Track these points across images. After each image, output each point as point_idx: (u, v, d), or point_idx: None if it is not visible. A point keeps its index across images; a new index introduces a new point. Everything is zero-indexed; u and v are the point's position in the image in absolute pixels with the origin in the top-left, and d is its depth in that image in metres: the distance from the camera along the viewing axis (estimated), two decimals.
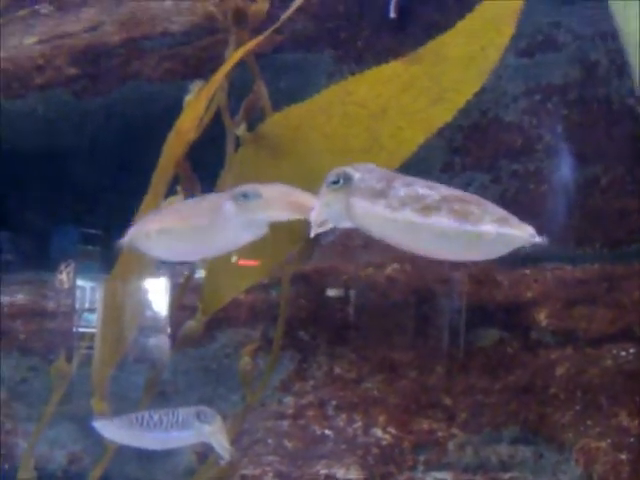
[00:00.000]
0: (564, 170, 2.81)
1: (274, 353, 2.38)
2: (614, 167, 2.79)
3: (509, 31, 1.92)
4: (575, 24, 2.77)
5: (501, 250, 1.37)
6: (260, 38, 2.12)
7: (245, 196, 1.61)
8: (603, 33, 2.77)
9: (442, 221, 1.33)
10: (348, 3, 2.81)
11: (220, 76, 2.08)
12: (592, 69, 2.80)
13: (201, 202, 1.79)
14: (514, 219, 1.35)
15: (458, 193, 1.36)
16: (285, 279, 2.32)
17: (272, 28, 2.13)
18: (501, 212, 1.35)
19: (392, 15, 2.72)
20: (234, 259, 2.20)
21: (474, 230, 1.32)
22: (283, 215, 1.62)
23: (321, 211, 1.43)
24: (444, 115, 1.86)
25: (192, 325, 2.31)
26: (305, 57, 2.86)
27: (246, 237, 1.68)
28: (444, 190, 1.36)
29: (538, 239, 1.39)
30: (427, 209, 1.33)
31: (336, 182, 1.40)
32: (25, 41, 3.13)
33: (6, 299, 3.12)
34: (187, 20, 2.89)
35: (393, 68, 1.97)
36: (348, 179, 1.39)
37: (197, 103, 2.08)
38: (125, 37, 3.01)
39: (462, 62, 1.91)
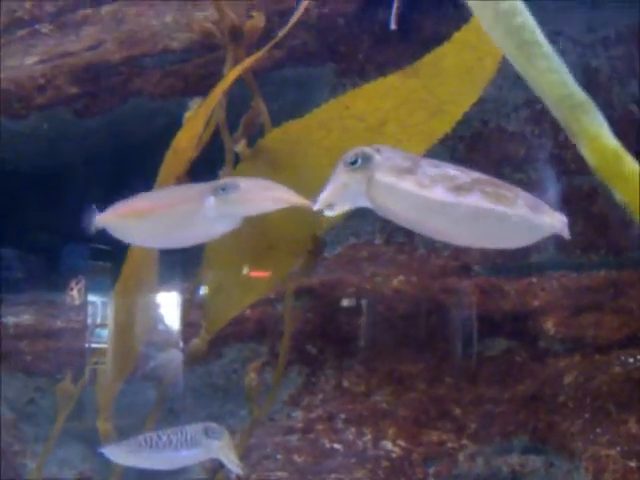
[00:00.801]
0: (567, 178, 2.81)
1: (279, 368, 2.38)
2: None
3: None
4: (575, 32, 2.77)
5: (530, 237, 1.35)
6: (257, 55, 2.12)
7: (224, 189, 1.64)
8: (603, 40, 2.78)
9: (475, 201, 1.29)
10: (348, 16, 2.81)
11: (217, 93, 2.08)
12: (593, 76, 2.80)
13: (182, 191, 1.81)
14: (546, 206, 1.33)
15: (488, 177, 1.34)
16: (288, 293, 2.31)
17: (269, 45, 2.12)
18: (533, 198, 1.33)
19: (392, 27, 2.72)
20: (241, 272, 2.21)
21: (508, 212, 1.29)
22: (261, 208, 1.67)
23: (335, 192, 1.38)
24: (443, 127, 1.86)
25: (197, 344, 2.31)
26: (307, 71, 2.86)
27: (220, 229, 1.71)
28: (474, 173, 1.33)
29: (567, 230, 1.35)
30: (459, 189, 1.30)
31: (354, 162, 1.36)
32: (26, 61, 3.13)
33: (12, 320, 3.12)
34: (187, 37, 2.90)
35: (391, 82, 1.97)
36: (367, 158, 1.35)
37: (195, 121, 2.08)
38: (126, 55, 3.01)
39: (459, 74, 1.91)
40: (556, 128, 2.77)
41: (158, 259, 2.27)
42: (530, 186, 2.75)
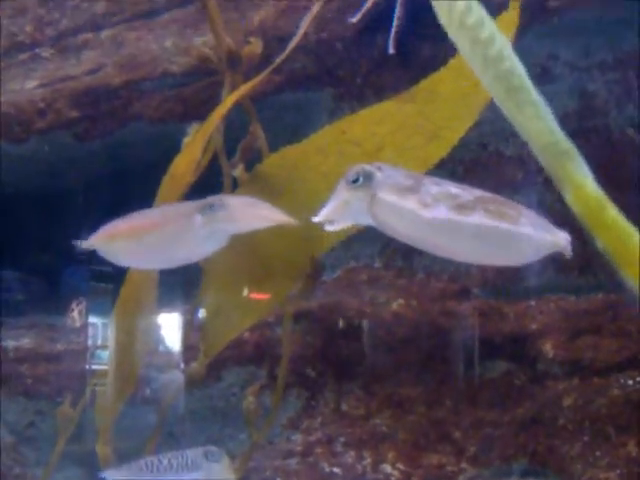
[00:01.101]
0: (565, 201, 2.81)
1: (278, 391, 2.38)
2: (615, 196, 2.79)
3: None
4: (572, 56, 2.79)
5: (532, 255, 1.34)
6: (254, 81, 2.14)
7: (211, 207, 1.65)
8: (600, 64, 2.79)
9: (478, 219, 1.29)
10: (346, 41, 2.82)
11: (215, 119, 2.09)
12: (590, 100, 2.81)
13: (170, 210, 1.82)
14: (549, 224, 1.34)
15: (490, 195, 1.33)
16: (287, 317, 2.32)
17: (266, 71, 2.14)
18: (536, 216, 1.34)
19: (391, 51, 2.73)
20: (239, 295, 2.21)
21: (512, 230, 1.30)
22: (248, 226, 1.68)
23: (336, 209, 1.38)
24: (439, 151, 1.87)
25: (195, 367, 2.32)
26: (305, 96, 2.88)
27: (209, 248, 1.71)
28: (476, 191, 1.33)
29: (569, 249, 1.36)
30: (462, 207, 1.30)
31: (356, 180, 1.36)
32: (27, 85, 3.15)
33: (12, 343, 3.13)
34: (187, 61, 2.91)
35: (387, 107, 1.98)
36: (369, 176, 1.35)
37: (192, 146, 2.09)
38: (125, 79, 3.02)
39: (455, 99, 1.92)
40: None
41: (158, 281, 2.28)
42: (528, 209, 2.77)
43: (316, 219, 1.39)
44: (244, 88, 2.11)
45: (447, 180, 1.34)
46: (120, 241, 1.78)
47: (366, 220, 1.38)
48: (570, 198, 0.91)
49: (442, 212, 1.30)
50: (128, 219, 1.80)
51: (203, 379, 2.32)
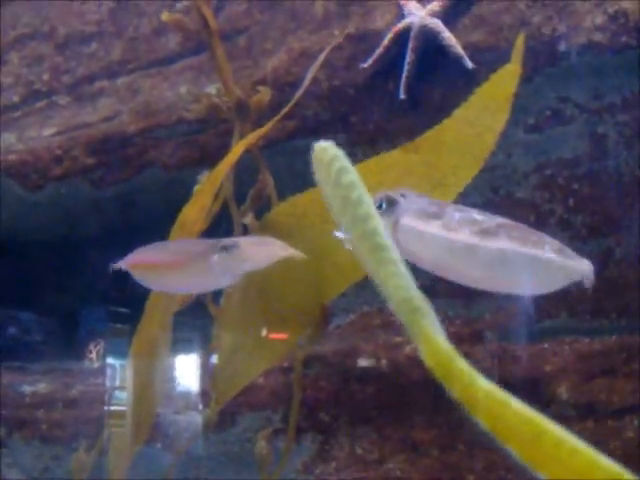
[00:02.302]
0: (577, 243, 2.82)
1: (289, 436, 2.39)
2: (627, 238, 2.80)
3: (504, 117, 1.96)
4: (582, 98, 2.80)
5: (555, 282, 1.34)
6: (261, 131, 2.17)
7: (226, 249, 1.83)
8: (609, 106, 2.80)
9: (503, 244, 1.29)
10: (358, 87, 2.85)
11: (224, 168, 2.13)
12: (601, 142, 2.82)
13: (192, 247, 2.01)
14: (572, 252, 1.34)
15: (513, 222, 1.35)
16: (297, 362, 2.33)
17: (274, 119, 2.17)
18: (559, 244, 1.34)
19: (402, 96, 2.76)
20: (249, 343, 2.23)
21: (535, 255, 1.29)
22: (259, 262, 1.86)
23: None
24: (445, 198, 1.89)
25: (207, 414, 2.33)
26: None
27: (224, 282, 1.93)
28: (499, 219, 1.34)
29: (592, 277, 1.35)
30: (486, 232, 1.30)
31: (379, 207, 1.35)
32: (43, 132, 3.19)
33: (29, 389, 3.14)
34: (202, 108, 2.94)
35: (393, 157, 2.01)
36: (392, 203, 1.35)
37: (202, 195, 2.13)
38: (141, 126, 3.06)
39: (459, 149, 1.95)
40: (565, 194, 2.80)
41: (174, 323, 2.31)
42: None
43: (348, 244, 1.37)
44: (252, 137, 2.15)
45: (470, 208, 1.34)
46: (144, 270, 2.02)
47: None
48: (422, 352, 0.88)
49: (466, 237, 1.31)
50: (152, 250, 2.04)
51: (215, 425, 2.34)
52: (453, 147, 1.95)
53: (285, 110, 2.20)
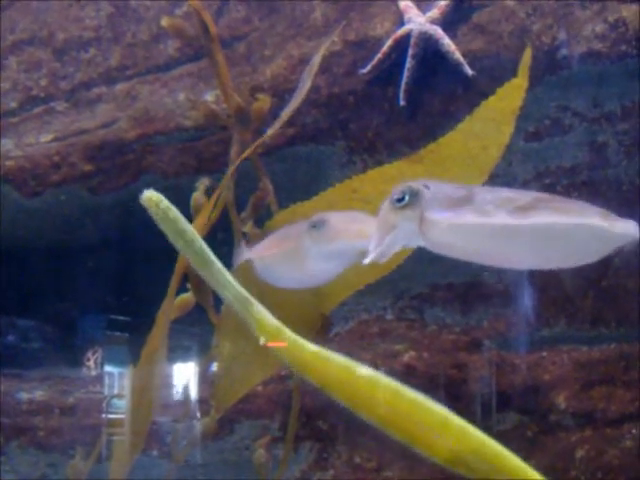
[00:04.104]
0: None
1: (287, 444, 2.38)
2: (626, 247, 2.79)
3: (510, 130, 1.95)
4: (581, 107, 2.80)
5: (602, 249, 1.27)
6: (260, 141, 2.16)
7: (313, 226, 1.70)
8: (609, 115, 2.80)
9: (544, 218, 1.22)
10: (357, 94, 2.84)
11: (226, 180, 2.13)
12: (600, 150, 2.81)
13: (292, 229, 1.87)
14: (614, 215, 1.27)
15: (548, 195, 1.28)
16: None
17: (274, 129, 2.16)
18: (599, 209, 1.27)
19: (402, 103, 2.76)
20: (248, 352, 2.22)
21: (581, 223, 1.22)
22: (351, 242, 1.67)
23: (382, 238, 1.31)
24: None
25: (206, 422, 2.32)
26: (317, 149, 2.89)
27: (332, 268, 1.77)
28: (532, 193, 1.27)
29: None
30: (524, 209, 1.22)
31: (401, 199, 1.29)
32: (41, 139, 3.18)
33: (25, 396, 3.13)
34: (200, 115, 2.93)
35: (396, 168, 2.00)
36: (415, 195, 1.28)
37: (205, 210, 2.13)
38: (139, 132, 3.05)
39: (463, 161, 1.94)
40: None
41: (174, 331, 2.29)
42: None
43: (367, 261, 1.33)
44: (252, 147, 2.14)
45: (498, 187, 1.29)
46: (261, 260, 1.90)
47: (415, 242, 1.31)
48: (256, 330, 1.21)
49: (503, 218, 1.23)
50: (268, 239, 1.94)
51: (215, 433, 2.33)
52: (458, 159, 1.94)
53: (285, 118, 2.19)
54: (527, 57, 1.92)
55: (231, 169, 2.13)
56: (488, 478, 1.12)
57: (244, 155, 2.14)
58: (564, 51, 2.71)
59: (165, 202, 1.18)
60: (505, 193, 1.29)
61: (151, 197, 1.20)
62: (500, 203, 1.25)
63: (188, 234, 1.17)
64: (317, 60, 2.26)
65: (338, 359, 1.15)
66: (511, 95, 1.96)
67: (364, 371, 1.16)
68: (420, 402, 1.14)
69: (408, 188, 1.30)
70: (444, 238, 1.28)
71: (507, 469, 1.10)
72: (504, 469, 1.08)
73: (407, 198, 1.29)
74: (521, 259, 1.32)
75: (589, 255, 1.30)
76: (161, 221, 1.19)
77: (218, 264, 1.18)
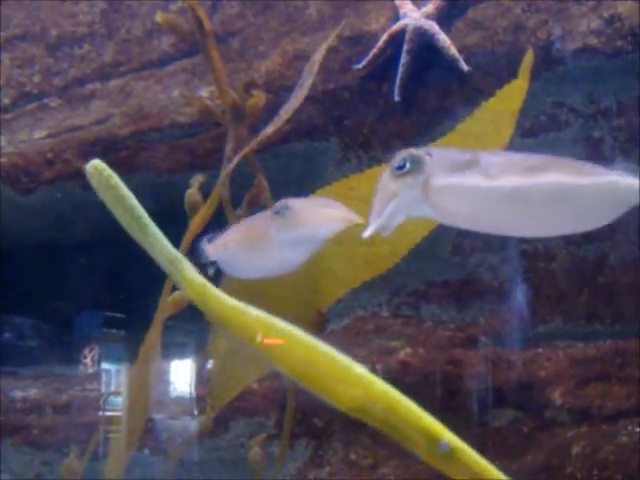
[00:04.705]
0: (572, 248, 2.82)
1: (283, 442, 2.38)
2: (622, 243, 2.79)
3: (509, 132, 1.94)
4: (577, 103, 2.79)
5: (616, 208, 1.22)
6: (261, 137, 2.16)
7: (277, 212, 1.69)
8: (605, 111, 2.79)
9: (554, 178, 1.17)
10: (352, 90, 2.84)
11: (222, 179, 2.12)
12: (596, 147, 2.81)
13: (257, 218, 1.87)
14: (626, 173, 1.22)
15: (557, 157, 1.23)
16: None
17: (273, 128, 2.15)
18: (609, 170, 1.22)
19: (396, 98, 2.75)
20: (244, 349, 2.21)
21: (595, 181, 1.18)
22: (316, 226, 1.67)
23: (383, 207, 1.26)
24: None
25: (202, 420, 2.32)
26: (312, 145, 2.88)
27: (298, 254, 1.75)
28: (539, 156, 1.23)
29: None
30: (532, 169, 1.18)
31: (402, 167, 1.24)
32: (35, 135, 3.17)
33: (20, 394, 3.12)
34: (195, 111, 2.92)
35: None
36: (416, 161, 1.22)
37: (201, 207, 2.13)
38: (133, 129, 3.04)
39: None
40: None
41: (170, 328, 2.29)
42: (537, 257, 2.77)
43: (366, 234, 1.29)
44: (250, 145, 2.13)
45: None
46: (223, 250, 1.87)
47: (419, 211, 1.27)
48: (184, 289, 1.30)
49: (512, 179, 1.19)
50: (234, 228, 1.92)
51: (210, 431, 2.32)
52: None
53: (285, 117, 2.18)
54: (528, 59, 1.91)
55: (230, 167, 2.12)
56: (389, 425, 1.19)
57: (243, 153, 2.13)
58: (559, 47, 2.70)
59: (108, 170, 1.26)
60: (512, 156, 1.25)
61: (96, 166, 1.27)
62: (507, 166, 1.21)
63: (127, 200, 1.25)
64: (318, 58, 2.25)
65: (255, 313, 1.25)
66: (511, 97, 1.95)
67: (281, 325, 1.24)
68: (327, 353, 1.21)
69: (409, 155, 1.25)
70: (449, 204, 1.23)
71: (408, 417, 1.16)
72: (405, 417, 1.15)
73: (408, 165, 1.24)
74: (530, 225, 1.26)
75: (601, 217, 1.25)
76: (102, 188, 1.26)
77: (154, 229, 1.27)
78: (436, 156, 1.24)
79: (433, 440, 1.14)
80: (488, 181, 1.19)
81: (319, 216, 1.68)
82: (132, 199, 1.26)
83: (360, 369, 1.21)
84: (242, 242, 1.83)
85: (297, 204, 1.70)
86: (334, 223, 1.67)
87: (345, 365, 1.21)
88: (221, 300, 1.27)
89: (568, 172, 1.21)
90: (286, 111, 2.21)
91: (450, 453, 1.13)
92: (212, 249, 1.90)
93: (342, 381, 1.20)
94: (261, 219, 1.82)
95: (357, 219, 1.64)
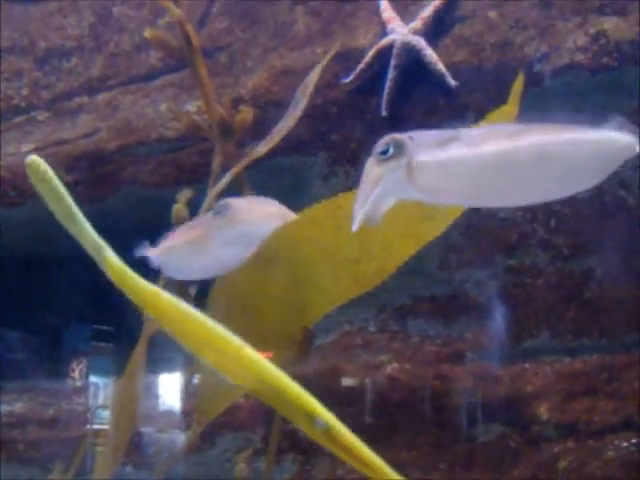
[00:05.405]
0: (559, 263, 2.82)
1: (269, 457, 2.37)
2: (609, 257, 2.80)
3: None
4: (562, 119, 2.80)
5: (600, 171, 1.21)
6: (254, 156, 2.16)
7: (217, 212, 1.74)
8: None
9: (540, 138, 1.17)
10: (340, 104, 2.84)
11: (210, 201, 2.13)
12: None
13: (197, 220, 1.95)
14: (610, 130, 1.20)
15: (540, 124, 1.21)
16: None
17: (265, 148, 2.16)
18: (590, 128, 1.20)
19: (384, 113, 2.76)
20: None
21: (582, 138, 1.17)
22: (253, 225, 1.75)
23: (368, 194, 1.26)
24: (434, 231, 1.86)
25: (188, 435, 2.31)
26: (300, 160, 2.89)
27: (237, 253, 1.81)
28: (520, 124, 1.22)
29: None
30: (515, 134, 1.17)
31: (385, 152, 1.23)
32: (22, 148, 3.16)
33: (6, 408, 3.11)
34: (182, 125, 2.93)
35: None
36: (399, 145, 1.22)
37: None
38: (120, 143, 3.04)
39: None
40: (547, 214, 2.79)
41: (158, 342, 2.29)
42: (523, 272, 2.78)
43: (355, 226, 1.29)
44: (242, 164, 2.13)
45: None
46: (167, 253, 1.91)
47: (404, 193, 1.27)
48: (107, 271, 1.38)
49: (495, 146, 1.18)
50: (176, 232, 1.94)
51: (196, 447, 2.32)
52: None
53: (277, 137, 2.19)
54: (519, 84, 1.91)
55: (219, 185, 2.12)
56: (278, 404, 1.32)
57: (234, 171, 2.13)
58: (546, 63, 2.71)
59: (44, 165, 1.36)
60: (494, 126, 1.27)
61: (34, 159, 1.37)
62: (489, 135, 1.21)
63: (59, 192, 1.37)
64: (313, 80, 2.25)
65: (166, 296, 1.36)
66: (501, 122, 1.95)
67: (186, 307, 1.36)
68: (223, 337, 1.34)
69: (392, 139, 1.25)
70: (434, 180, 1.23)
71: (291, 398, 1.29)
72: (290, 397, 1.28)
73: (391, 150, 1.24)
74: (517, 193, 1.25)
75: (589, 178, 1.23)
76: (39, 181, 1.37)
77: (81, 218, 1.38)
78: (418, 138, 1.24)
79: (312, 418, 1.27)
80: (471, 150, 1.19)
81: (256, 214, 1.75)
82: (63, 191, 1.38)
83: (252, 352, 1.32)
84: (184, 244, 1.88)
85: (236, 204, 1.75)
86: (271, 220, 1.75)
87: (238, 347, 1.33)
88: (138, 283, 1.37)
89: (551, 132, 1.20)
90: (279, 131, 2.21)
91: (327, 430, 1.27)
92: (155, 253, 1.94)
93: (237, 363, 1.33)
94: (203, 221, 1.88)
95: (293, 216, 1.75)
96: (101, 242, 1.39)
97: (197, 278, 2.05)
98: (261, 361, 1.33)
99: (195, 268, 1.91)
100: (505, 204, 1.33)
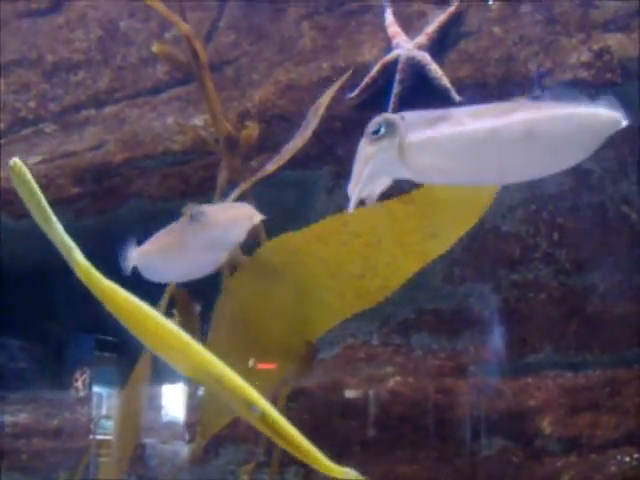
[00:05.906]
0: (562, 278, 2.83)
1: (272, 470, 2.38)
2: (611, 273, 2.81)
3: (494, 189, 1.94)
4: None
5: (587, 145, 1.22)
6: (262, 174, 2.18)
7: (192, 218, 1.84)
8: None
9: (529, 114, 1.18)
10: (345, 119, 2.85)
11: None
12: (585, 178, 2.83)
13: (175, 225, 1.99)
14: (598, 106, 1.21)
15: (524, 102, 1.24)
16: (281, 398, 2.32)
17: (274, 167, 2.17)
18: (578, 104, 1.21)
19: None
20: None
21: (568, 112, 1.18)
22: (227, 229, 1.84)
23: (361, 173, 1.28)
24: (438, 249, 1.88)
25: (191, 448, 2.32)
26: (305, 174, 2.89)
27: (213, 257, 1.90)
28: (509, 102, 1.24)
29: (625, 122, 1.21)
30: (504, 111, 1.19)
31: (377, 131, 1.27)
32: (29, 160, 3.17)
33: (10, 419, 3.12)
34: (188, 139, 2.94)
35: (388, 206, 1.98)
36: (391, 125, 1.25)
37: None
38: (127, 156, 3.05)
39: (456, 204, 1.92)
40: (550, 228, 2.80)
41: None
42: (526, 287, 2.78)
43: (351, 206, 1.32)
44: (247, 183, 2.15)
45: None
46: (145, 257, 2.00)
47: (395, 172, 1.28)
48: (77, 271, 1.49)
49: (485, 123, 1.20)
50: (154, 237, 2.02)
51: (200, 459, 2.32)
52: (448, 202, 1.92)
53: (287, 156, 2.20)
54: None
55: (230, 198, 2.13)
56: (221, 392, 1.46)
57: (242, 188, 2.15)
58: (550, 79, 2.72)
59: (24, 168, 1.45)
60: (483, 105, 1.26)
61: (16, 162, 1.45)
62: (479, 113, 1.23)
63: (36, 195, 1.46)
64: (325, 101, 2.27)
65: (124, 294, 1.49)
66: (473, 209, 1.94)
67: (141, 304, 1.48)
68: (173, 331, 1.46)
69: (384, 119, 1.28)
70: (425, 158, 1.25)
71: (232, 386, 1.42)
72: (231, 386, 1.42)
73: (383, 129, 1.28)
74: (507, 170, 1.27)
75: (576, 153, 1.26)
76: (19, 183, 1.45)
77: (54, 220, 1.48)
78: (409, 118, 1.27)
79: (248, 405, 1.42)
80: (461, 128, 1.21)
81: (227, 219, 1.84)
82: (40, 194, 1.48)
83: (198, 346, 1.45)
84: (161, 249, 1.97)
85: (210, 210, 1.86)
86: (241, 223, 1.83)
87: (185, 341, 1.45)
88: (101, 281, 1.50)
89: (538, 109, 1.21)
90: (289, 150, 2.23)
91: (263, 417, 1.43)
92: (135, 255, 2.02)
93: (185, 356, 1.46)
94: (179, 226, 1.94)
95: (261, 217, 1.82)
96: (71, 243, 1.51)
97: (173, 281, 2.17)
98: (207, 355, 1.45)
99: (171, 271, 1.99)
100: (495, 182, 1.35)
